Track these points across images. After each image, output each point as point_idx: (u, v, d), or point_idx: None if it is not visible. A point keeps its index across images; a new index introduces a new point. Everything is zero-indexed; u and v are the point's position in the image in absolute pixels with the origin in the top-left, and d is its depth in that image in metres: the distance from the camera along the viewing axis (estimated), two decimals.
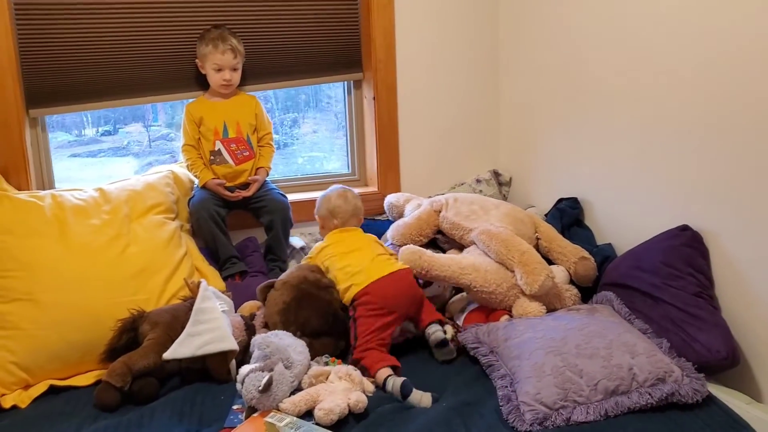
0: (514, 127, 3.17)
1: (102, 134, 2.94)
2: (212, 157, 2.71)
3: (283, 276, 2.32)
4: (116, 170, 2.94)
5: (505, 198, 3.17)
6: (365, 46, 3.00)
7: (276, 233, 2.72)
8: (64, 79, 2.66)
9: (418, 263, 2.29)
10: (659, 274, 2.14)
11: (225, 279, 2.63)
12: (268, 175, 2.82)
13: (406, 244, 2.47)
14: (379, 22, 2.95)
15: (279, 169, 3.10)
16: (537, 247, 2.51)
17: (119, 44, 2.69)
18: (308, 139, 3.30)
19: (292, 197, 2.90)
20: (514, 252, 2.32)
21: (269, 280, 2.32)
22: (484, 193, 3.11)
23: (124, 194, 2.57)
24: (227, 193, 2.69)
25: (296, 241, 2.87)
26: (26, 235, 2.31)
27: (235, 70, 2.69)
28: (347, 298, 2.24)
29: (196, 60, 2.72)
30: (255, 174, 2.77)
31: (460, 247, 2.60)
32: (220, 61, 2.65)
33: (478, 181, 3.15)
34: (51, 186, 2.80)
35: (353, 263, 2.28)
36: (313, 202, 2.84)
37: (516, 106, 3.14)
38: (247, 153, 2.75)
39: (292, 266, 2.59)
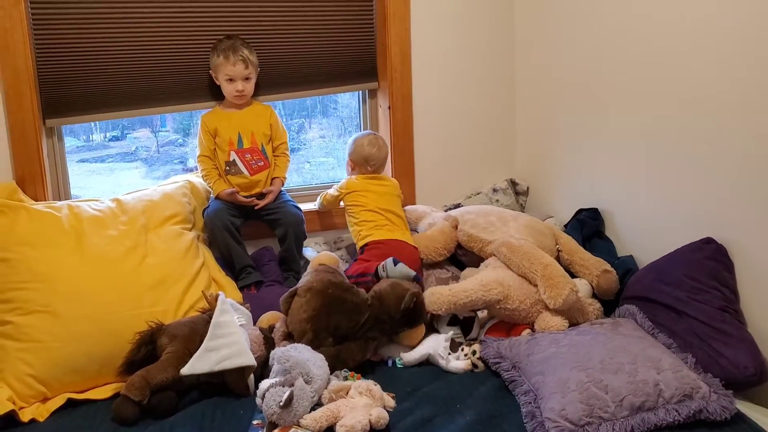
0: (531, 135, 3.15)
1: (110, 140, 2.95)
2: (227, 168, 2.71)
3: (304, 283, 2.28)
4: (124, 175, 2.95)
5: (522, 208, 3.14)
6: (381, 56, 2.98)
7: (289, 246, 2.71)
8: (81, 89, 2.65)
9: (443, 302, 2.24)
10: (683, 287, 2.11)
11: (241, 289, 2.61)
12: (283, 185, 2.81)
13: (432, 258, 2.58)
14: (395, 31, 2.93)
15: (292, 178, 3.08)
16: (558, 260, 2.47)
17: (135, 54, 2.68)
18: (315, 144, 3.29)
19: (304, 207, 2.89)
20: (537, 265, 2.29)
21: (291, 289, 2.27)
22: (500, 202, 3.08)
23: (141, 204, 2.56)
24: (242, 198, 2.67)
25: (309, 252, 2.85)
26: (43, 246, 2.30)
27: (247, 80, 2.67)
28: (361, 242, 2.62)
29: (210, 71, 2.70)
30: (270, 184, 2.76)
31: (478, 260, 2.57)
32: (231, 72, 2.64)
33: (494, 190, 3.12)
34: (67, 196, 2.79)
35: (378, 220, 2.63)
36: (325, 213, 2.85)
37: (533, 113, 3.12)
38: (262, 163, 2.74)
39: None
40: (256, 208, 2.71)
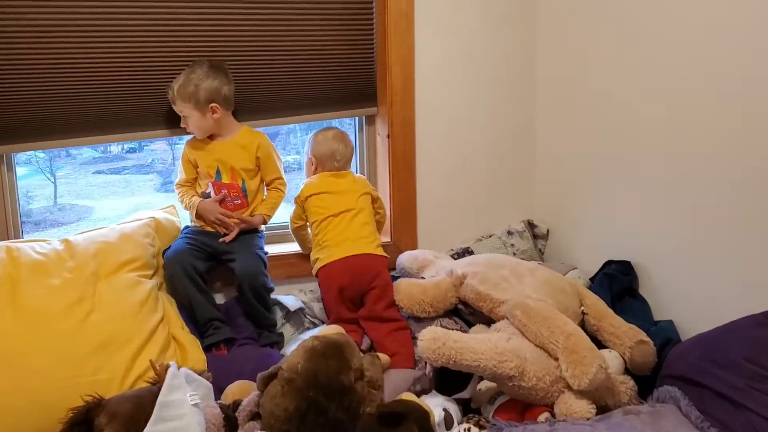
0: (553, 170, 2.75)
1: (127, 151, 2.85)
2: (202, 199, 2.40)
3: (289, 363, 1.74)
4: (139, 187, 2.84)
5: (541, 253, 2.74)
6: (380, 77, 2.62)
7: (248, 301, 2.33)
8: (36, 112, 2.29)
9: (442, 353, 1.86)
10: (741, 372, 1.70)
11: (207, 349, 2.22)
12: (264, 223, 2.45)
13: (415, 312, 2.26)
14: (397, 50, 2.56)
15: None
16: (583, 325, 2.10)
17: (102, 73, 2.32)
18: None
19: (289, 247, 2.58)
20: (558, 335, 1.89)
21: (273, 368, 1.76)
22: (516, 247, 2.69)
23: (93, 247, 2.20)
24: (220, 216, 2.36)
25: (291, 301, 2.47)
26: None
27: (190, 116, 2.33)
28: (314, 270, 2.40)
29: None
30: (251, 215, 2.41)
31: (488, 320, 2.17)
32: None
33: (509, 233, 2.73)
34: (17, 234, 2.45)
35: (330, 232, 2.37)
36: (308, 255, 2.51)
37: (555, 146, 2.73)
38: (239, 201, 2.40)
39: (296, 341, 2.23)
40: (220, 240, 2.37)
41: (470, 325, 2.29)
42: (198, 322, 2.28)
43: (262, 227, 2.48)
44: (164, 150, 2.94)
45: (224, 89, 2.30)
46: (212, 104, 2.28)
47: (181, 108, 2.30)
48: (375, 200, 2.49)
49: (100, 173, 2.83)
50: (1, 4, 2.15)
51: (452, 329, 2.20)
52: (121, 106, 2.36)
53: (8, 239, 2.40)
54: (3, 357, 1.88)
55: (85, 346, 1.96)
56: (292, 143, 2.94)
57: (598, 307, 2.14)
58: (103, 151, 2.85)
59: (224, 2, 2.36)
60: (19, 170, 2.58)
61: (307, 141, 2.54)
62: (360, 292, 2.34)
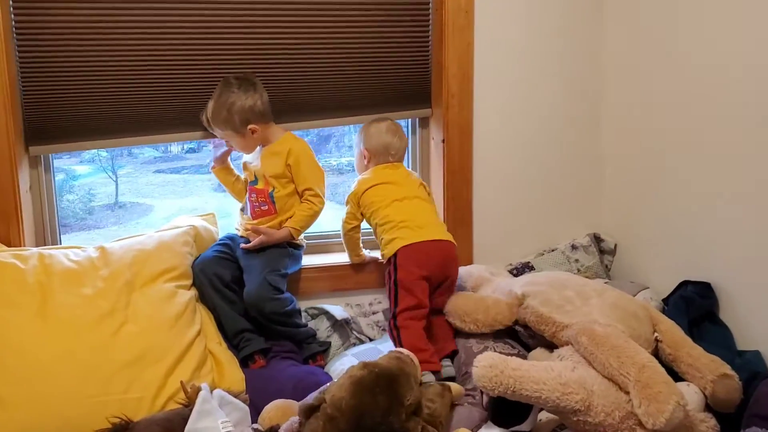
0: (622, 179, 2.52)
1: (186, 151, 2.85)
2: (244, 204, 2.35)
3: (333, 396, 1.52)
4: (197, 186, 2.83)
5: (607, 270, 2.52)
6: (435, 77, 2.44)
7: (265, 324, 2.17)
8: (73, 111, 2.22)
9: (499, 381, 1.67)
10: None
11: (243, 364, 2.09)
12: (291, 238, 2.26)
13: (467, 328, 2.11)
14: (454, 47, 2.38)
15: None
16: (656, 354, 1.88)
17: (141, 71, 2.23)
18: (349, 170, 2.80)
19: (334, 258, 2.42)
20: (629, 366, 1.68)
21: (315, 399, 1.57)
22: (581, 263, 2.48)
23: (130, 255, 2.09)
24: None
25: (338, 311, 2.33)
26: None
27: (231, 139, 2.24)
28: (388, 250, 2.15)
29: None
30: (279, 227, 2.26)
31: (549, 345, 1.98)
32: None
33: (573, 247, 2.52)
34: (55, 239, 2.36)
35: (404, 213, 2.18)
36: (357, 267, 2.41)
37: (625, 152, 2.50)
38: (266, 207, 2.26)
39: (342, 357, 2.11)
40: (241, 246, 2.23)
41: (528, 348, 2.10)
42: (228, 336, 2.16)
43: (303, 242, 2.33)
44: None
45: (258, 105, 2.17)
46: (250, 126, 2.17)
47: (220, 134, 2.22)
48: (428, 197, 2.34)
49: (160, 172, 2.84)
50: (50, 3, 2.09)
51: (508, 353, 2.03)
52: (162, 105, 2.27)
53: (45, 245, 2.31)
54: (28, 371, 1.80)
55: (116, 361, 1.86)
56: (346, 144, 2.83)
57: (674, 334, 1.92)
58: (163, 151, 2.85)
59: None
60: (82, 168, 2.62)
61: (357, 133, 2.39)
62: (439, 280, 2.16)
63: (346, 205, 2.31)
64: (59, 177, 2.48)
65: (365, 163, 2.33)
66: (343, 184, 2.38)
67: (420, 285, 2.08)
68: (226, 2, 2.21)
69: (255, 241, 2.19)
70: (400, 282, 2.10)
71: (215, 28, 2.22)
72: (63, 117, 2.21)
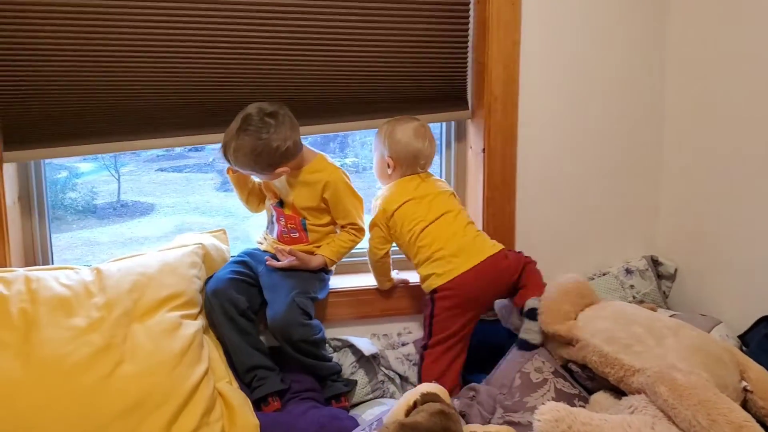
0: (683, 196, 2.24)
1: (189, 150, 2.72)
2: (268, 219, 2.12)
3: None
4: (199, 185, 2.70)
5: (665, 297, 2.24)
6: (476, 78, 2.16)
7: (288, 352, 1.91)
8: (55, 114, 1.92)
9: None
10: None
11: (256, 406, 1.82)
12: (325, 267, 2.02)
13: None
14: (498, 45, 2.10)
15: None
16: (745, 406, 1.61)
17: (139, 64, 1.92)
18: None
19: (360, 281, 2.17)
20: (722, 425, 1.41)
21: None
22: (636, 288, 2.21)
23: (129, 279, 1.83)
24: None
25: (366, 344, 2.06)
26: None
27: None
28: (426, 286, 1.97)
29: None
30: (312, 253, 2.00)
31: (614, 388, 1.70)
32: None
33: (628, 271, 2.24)
34: (47, 257, 2.12)
35: (437, 240, 1.94)
36: (391, 288, 2.17)
37: (686, 165, 2.22)
38: (297, 235, 2.03)
39: (380, 410, 1.84)
40: (267, 263, 1.99)
41: (587, 389, 1.82)
42: (239, 372, 1.89)
43: (332, 267, 2.08)
44: None
45: (288, 144, 1.86)
46: (278, 170, 1.90)
47: (251, 171, 1.95)
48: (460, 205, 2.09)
49: (162, 171, 2.73)
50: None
51: (569, 392, 1.77)
52: (162, 105, 1.99)
53: (35, 263, 2.05)
54: (7, 420, 1.52)
55: (110, 409, 1.60)
56: (350, 145, 2.64)
57: (766, 383, 1.64)
58: (166, 150, 2.70)
59: None
60: (85, 166, 2.50)
61: (378, 134, 2.08)
62: (496, 296, 2.01)
63: (372, 230, 2.04)
64: (62, 175, 2.40)
65: (389, 172, 2.05)
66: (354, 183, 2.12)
67: (459, 319, 1.92)
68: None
69: (285, 262, 1.96)
70: (436, 317, 1.92)
71: (227, 14, 1.93)
72: (43, 119, 1.91)
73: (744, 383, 1.65)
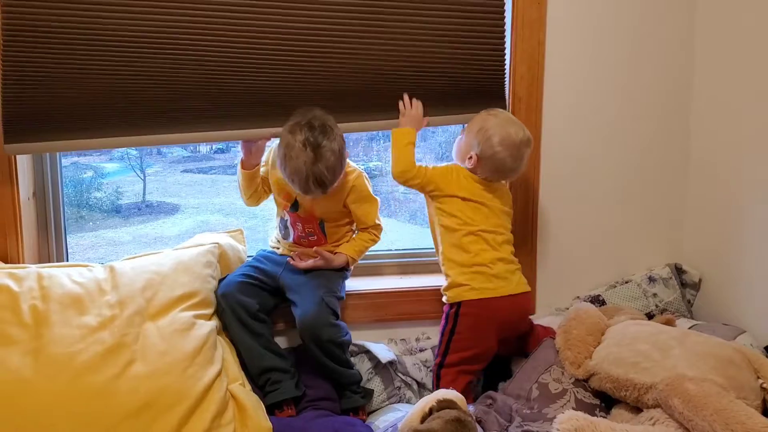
0: (709, 203, 2.17)
1: (215, 152, 2.78)
2: (280, 225, 2.04)
3: None
4: (224, 187, 2.71)
5: (689, 305, 2.17)
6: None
7: (316, 356, 1.86)
8: (61, 103, 1.83)
9: None
10: None
11: (269, 411, 1.78)
12: (345, 266, 1.99)
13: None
14: (523, 45, 2.05)
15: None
16: (764, 402, 1.58)
17: (156, 54, 1.84)
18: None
19: (375, 284, 2.13)
20: None
21: None
22: (659, 297, 2.14)
23: (142, 278, 1.81)
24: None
25: (382, 351, 2.01)
26: None
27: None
28: (452, 294, 1.89)
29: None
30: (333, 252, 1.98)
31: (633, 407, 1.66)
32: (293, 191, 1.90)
33: (651, 279, 2.18)
34: (61, 254, 2.10)
35: (481, 255, 1.87)
36: (410, 292, 2.14)
37: (713, 168, 2.15)
38: (315, 237, 2.01)
39: (393, 415, 1.82)
40: (290, 262, 1.96)
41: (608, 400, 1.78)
42: (251, 374, 1.85)
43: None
44: None
45: (345, 154, 1.86)
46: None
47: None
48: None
49: (188, 172, 2.76)
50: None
51: (590, 402, 1.72)
52: (184, 96, 1.89)
53: (48, 260, 2.03)
54: (14, 420, 1.52)
55: (120, 409, 1.58)
56: (374, 150, 2.58)
57: None
58: (192, 151, 2.78)
59: None
60: (111, 166, 2.51)
61: (477, 121, 1.92)
62: (506, 335, 1.93)
63: (417, 170, 1.92)
64: (87, 174, 2.41)
65: (470, 167, 1.93)
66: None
67: (481, 344, 1.88)
68: None
69: (310, 262, 1.93)
70: (457, 335, 1.87)
71: (255, 8, 1.85)
72: (48, 109, 1.83)
73: (761, 381, 1.61)
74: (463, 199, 1.91)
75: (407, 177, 1.91)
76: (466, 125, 1.97)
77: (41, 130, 1.84)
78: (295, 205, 1.96)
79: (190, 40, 1.83)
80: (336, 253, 1.97)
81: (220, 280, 1.91)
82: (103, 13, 1.78)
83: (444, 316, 1.91)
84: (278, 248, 2.06)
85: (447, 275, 1.92)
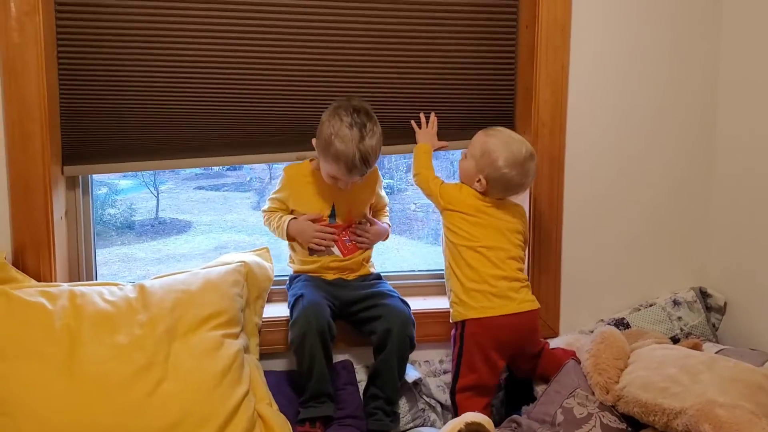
0: (734, 225, 2.17)
1: (227, 169, 2.80)
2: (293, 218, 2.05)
3: None
4: (236, 204, 2.78)
5: (714, 329, 2.17)
6: (523, 102, 2.13)
7: (389, 358, 1.87)
8: (119, 129, 2.01)
9: None
10: None
11: (300, 422, 1.81)
12: (387, 236, 2.15)
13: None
14: (547, 70, 2.08)
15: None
16: None
17: (200, 86, 2.01)
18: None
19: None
20: None
21: None
22: (684, 321, 2.14)
23: (171, 297, 1.83)
24: (328, 230, 2.00)
25: (409, 370, 2.01)
26: (18, 356, 1.64)
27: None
28: (456, 314, 1.92)
29: (313, 140, 1.96)
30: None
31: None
32: (340, 177, 1.92)
33: (675, 302, 2.18)
34: (91, 272, 2.13)
35: (481, 272, 1.88)
36: (435, 313, 2.14)
37: (738, 194, 2.15)
38: (351, 244, 2.06)
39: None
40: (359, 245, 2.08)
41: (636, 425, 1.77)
42: (304, 391, 1.86)
43: None
44: (262, 169, 2.83)
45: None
46: None
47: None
48: (524, 243, 2.00)
49: (200, 189, 2.80)
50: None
51: (616, 427, 1.72)
52: (228, 126, 2.06)
53: (78, 279, 2.06)
54: None
55: (151, 427, 1.61)
56: (386, 167, 2.63)
57: None
58: (204, 168, 2.76)
59: (346, 14, 2.01)
60: (124, 183, 2.56)
61: (478, 142, 1.95)
62: (513, 353, 1.94)
63: (436, 186, 1.99)
64: (102, 191, 2.45)
65: (476, 185, 1.95)
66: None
67: (487, 364, 1.88)
68: (297, 20, 1.99)
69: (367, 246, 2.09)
70: (465, 356, 1.88)
71: (283, 44, 2.00)
72: (103, 135, 2.01)
73: None
74: (466, 214, 1.93)
75: (419, 180, 2.02)
76: (465, 150, 2.01)
77: (95, 154, 2.02)
78: (332, 215, 2.00)
79: (235, 78, 2.00)
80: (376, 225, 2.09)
81: (299, 296, 1.90)
82: (155, 50, 1.95)
83: (452, 340, 1.93)
84: (306, 269, 2.06)
85: (450, 290, 1.95)
